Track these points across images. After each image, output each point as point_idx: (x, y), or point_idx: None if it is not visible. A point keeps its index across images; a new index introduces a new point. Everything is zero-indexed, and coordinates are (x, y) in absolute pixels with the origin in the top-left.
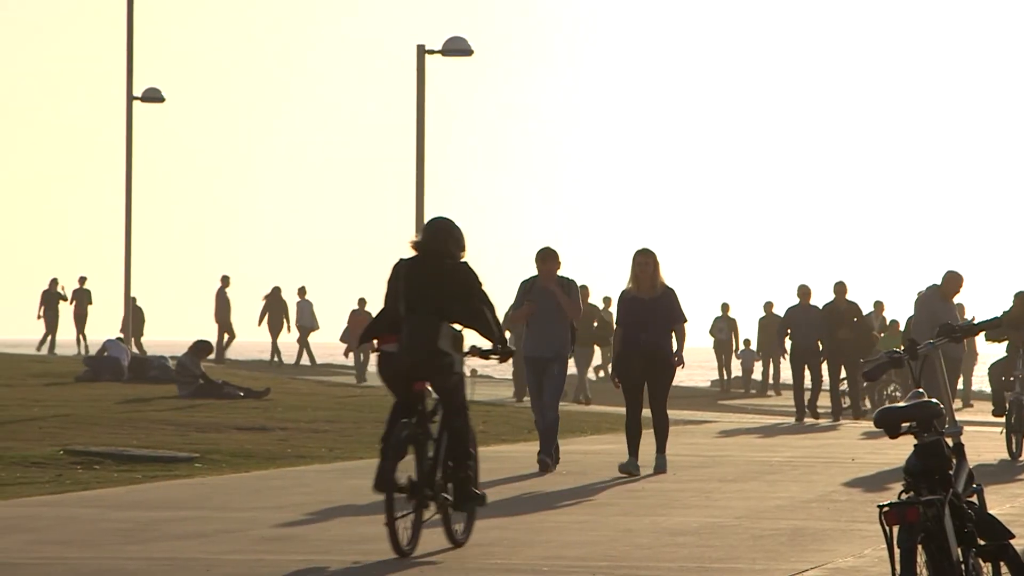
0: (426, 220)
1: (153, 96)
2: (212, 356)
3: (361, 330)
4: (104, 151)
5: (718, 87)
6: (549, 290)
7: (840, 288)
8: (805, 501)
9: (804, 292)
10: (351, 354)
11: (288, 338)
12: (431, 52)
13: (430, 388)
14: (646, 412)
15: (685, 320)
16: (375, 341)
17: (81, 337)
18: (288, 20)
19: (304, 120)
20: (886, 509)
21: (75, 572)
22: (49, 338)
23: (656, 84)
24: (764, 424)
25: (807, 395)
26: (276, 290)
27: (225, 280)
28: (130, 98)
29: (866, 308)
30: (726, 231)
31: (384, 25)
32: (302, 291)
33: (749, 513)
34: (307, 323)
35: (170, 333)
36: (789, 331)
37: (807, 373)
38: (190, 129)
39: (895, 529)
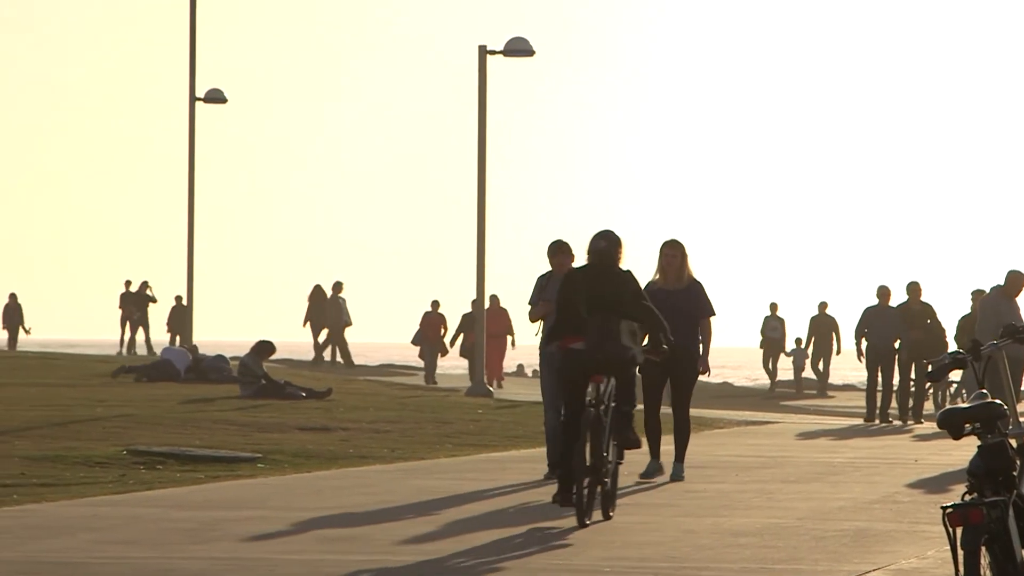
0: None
1: (215, 97)
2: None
3: (432, 331)
4: (167, 152)
5: (778, 84)
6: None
7: (914, 289)
8: (868, 502)
9: (884, 293)
10: (425, 355)
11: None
12: (493, 53)
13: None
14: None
15: (712, 314)
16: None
17: (128, 338)
18: (349, 21)
19: (366, 121)
20: (949, 510)
21: (139, 571)
22: (128, 339)
23: (717, 81)
24: (826, 425)
25: (879, 397)
26: (317, 288)
27: (337, 287)
28: (192, 99)
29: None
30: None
31: (445, 26)
32: (337, 287)
33: (812, 514)
34: (341, 320)
35: (229, 333)
36: (866, 331)
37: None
38: (252, 130)
39: (958, 531)
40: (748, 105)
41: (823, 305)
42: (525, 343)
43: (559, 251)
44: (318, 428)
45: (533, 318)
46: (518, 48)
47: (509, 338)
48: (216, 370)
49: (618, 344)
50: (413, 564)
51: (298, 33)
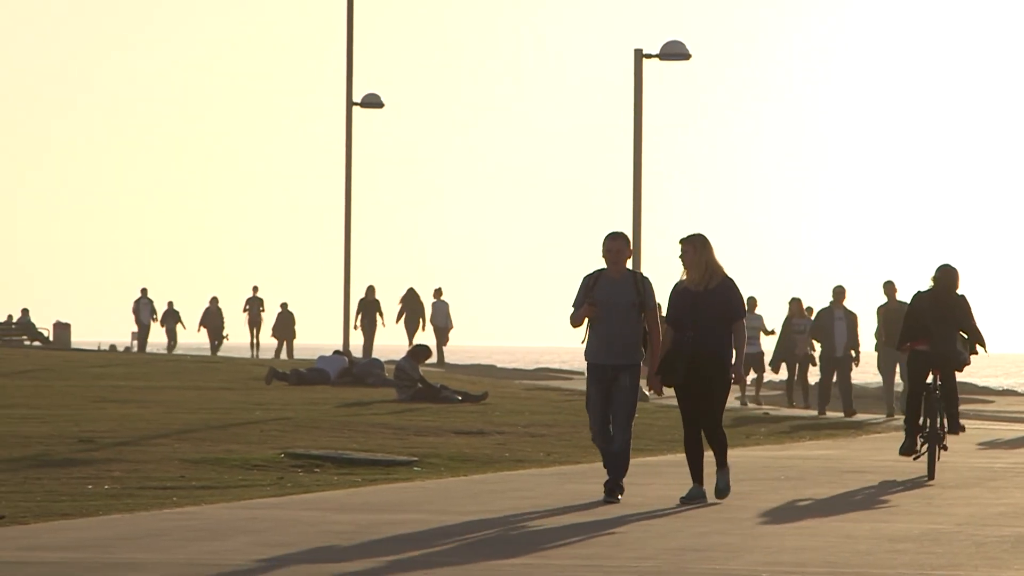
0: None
1: (372, 102)
2: (433, 360)
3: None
4: (324, 157)
5: (917, 82)
6: (617, 282)
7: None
8: None
9: None
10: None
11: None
12: (648, 56)
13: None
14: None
15: (742, 316)
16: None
17: (256, 342)
18: (505, 25)
19: (521, 125)
20: None
21: (296, 574)
22: (255, 342)
23: (874, 83)
24: (986, 429)
25: None
26: (411, 291)
27: (438, 292)
28: (350, 104)
29: (987, 298)
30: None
31: (601, 29)
32: (438, 292)
33: (971, 520)
34: (441, 323)
35: (382, 337)
36: None
37: None
38: (408, 134)
39: None
40: (909, 106)
41: (890, 286)
42: None
43: (615, 242)
44: (474, 432)
45: (576, 322)
46: (674, 52)
47: None
48: (371, 374)
49: (953, 349)
50: (569, 566)
51: (454, 38)
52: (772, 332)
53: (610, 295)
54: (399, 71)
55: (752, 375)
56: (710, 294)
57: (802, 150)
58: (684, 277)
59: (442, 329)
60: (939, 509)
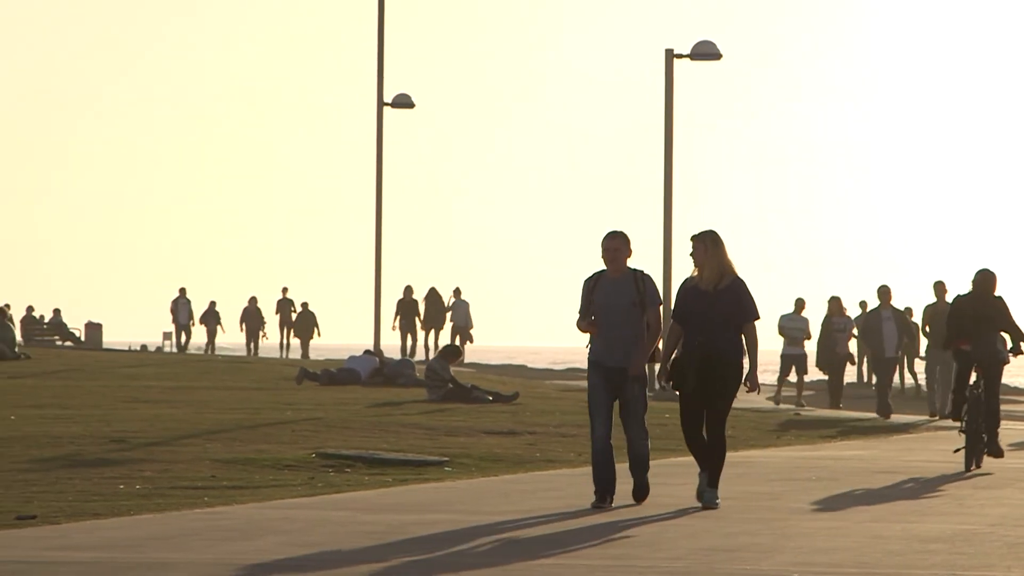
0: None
1: (403, 102)
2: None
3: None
4: (355, 157)
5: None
6: (617, 282)
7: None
8: None
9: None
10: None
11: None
12: (679, 56)
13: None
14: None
15: (756, 318)
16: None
17: (286, 342)
18: (535, 25)
19: (552, 124)
20: None
21: (327, 574)
22: (285, 343)
23: (908, 82)
24: (1018, 430)
25: None
26: (433, 291)
27: (457, 292)
28: (380, 104)
29: None
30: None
31: (632, 30)
32: (457, 292)
33: (1004, 520)
34: (462, 323)
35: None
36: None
37: None
38: (439, 134)
39: None
40: (946, 106)
41: (940, 287)
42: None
43: (613, 241)
44: (505, 432)
45: (583, 329)
46: (705, 52)
47: None
48: (402, 374)
49: (993, 348)
50: (600, 566)
51: (484, 38)
52: (809, 337)
53: (610, 296)
54: (429, 71)
55: (793, 377)
56: (720, 294)
57: (833, 150)
58: (694, 274)
59: (462, 329)
60: (971, 510)
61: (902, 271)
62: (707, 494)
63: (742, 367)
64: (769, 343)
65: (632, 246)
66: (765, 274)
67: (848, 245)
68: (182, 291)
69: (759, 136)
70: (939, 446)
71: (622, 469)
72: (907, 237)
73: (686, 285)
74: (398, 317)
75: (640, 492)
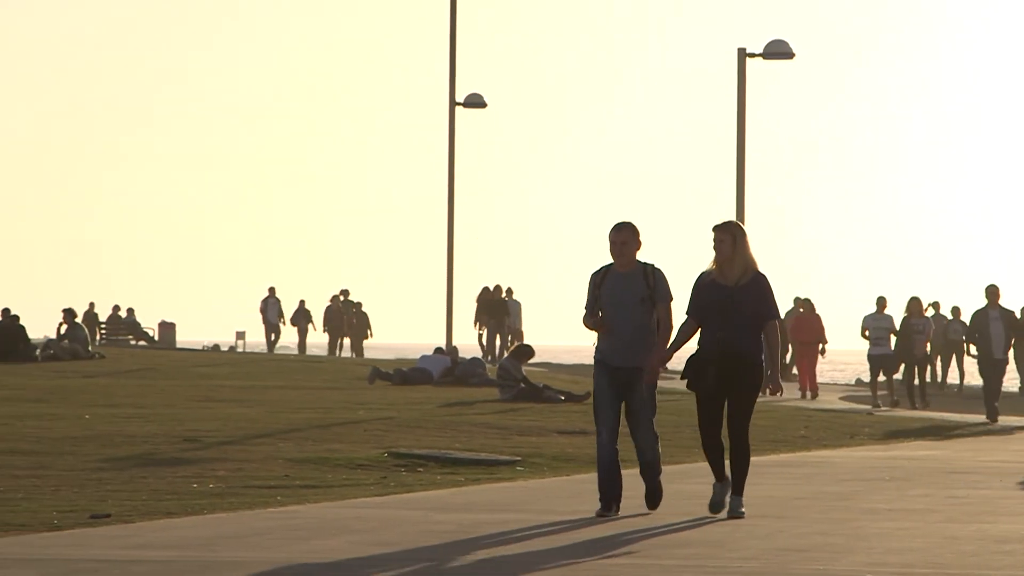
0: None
1: (475, 102)
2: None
3: None
4: (427, 157)
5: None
6: (625, 277)
7: None
8: None
9: None
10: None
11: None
12: (752, 55)
13: None
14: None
15: (776, 316)
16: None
17: (341, 342)
18: (608, 25)
19: (624, 124)
20: None
21: (399, 573)
22: (339, 343)
23: (981, 81)
24: None
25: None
26: (485, 290)
27: (509, 291)
28: (452, 103)
29: None
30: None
31: (705, 29)
32: (509, 292)
33: None
34: (515, 323)
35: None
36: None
37: None
38: (511, 134)
39: None
40: (1016, 107)
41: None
42: (836, 347)
43: (621, 233)
44: (577, 432)
45: (589, 327)
46: (777, 51)
47: (820, 345)
48: (474, 374)
49: None
50: (673, 566)
51: (557, 37)
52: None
53: (617, 291)
54: (502, 71)
55: (882, 377)
56: (742, 290)
57: (905, 149)
58: (712, 267)
59: (515, 329)
60: None
61: (971, 273)
62: (732, 502)
63: (763, 366)
64: (851, 343)
65: (642, 238)
66: (839, 274)
67: (922, 246)
68: (271, 290)
69: (830, 135)
70: (1015, 447)
71: (632, 475)
72: (975, 239)
73: (704, 280)
74: (482, 316)
75: (653, 498)
